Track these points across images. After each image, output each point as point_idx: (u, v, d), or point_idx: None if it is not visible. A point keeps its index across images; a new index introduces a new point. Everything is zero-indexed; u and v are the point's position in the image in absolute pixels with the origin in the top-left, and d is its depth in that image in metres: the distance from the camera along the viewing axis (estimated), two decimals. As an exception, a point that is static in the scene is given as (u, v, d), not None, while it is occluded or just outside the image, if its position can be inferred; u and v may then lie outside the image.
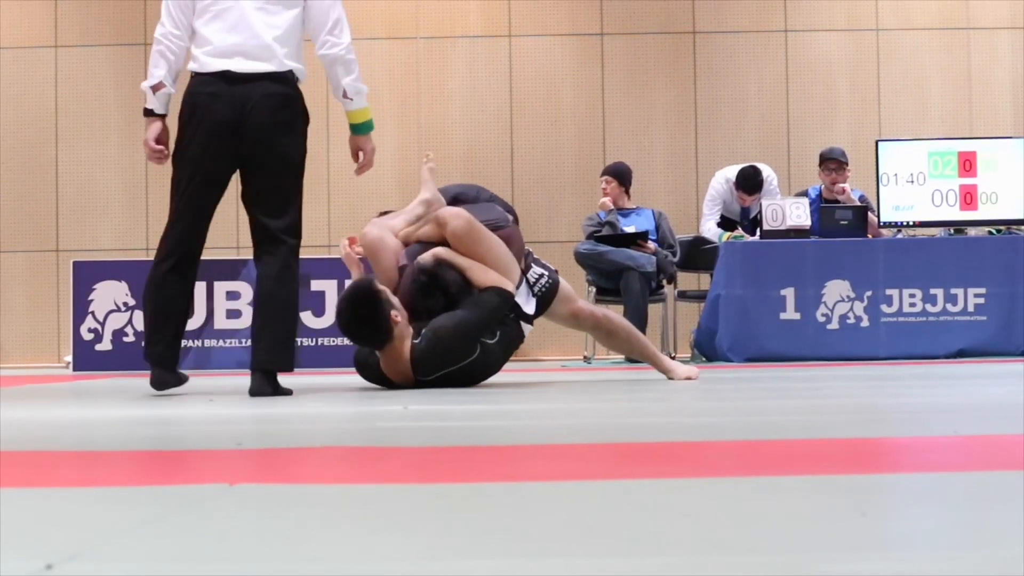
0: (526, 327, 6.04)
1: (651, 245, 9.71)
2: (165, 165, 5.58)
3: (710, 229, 9.99)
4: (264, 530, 1.90)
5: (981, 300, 9.02)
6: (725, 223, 10.02)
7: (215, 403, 5.03)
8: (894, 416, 4.22)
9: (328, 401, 5.16)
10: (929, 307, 9.02)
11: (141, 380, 7.53)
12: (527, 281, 6.04)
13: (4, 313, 11.09)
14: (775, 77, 11.21)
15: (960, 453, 2.99)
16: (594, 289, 9.81)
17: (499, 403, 5.03)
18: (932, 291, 9.03)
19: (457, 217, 5.89)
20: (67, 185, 11.15)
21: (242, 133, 5.38)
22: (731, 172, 10.06)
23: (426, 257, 5.83)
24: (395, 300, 5.71)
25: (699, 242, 10.06)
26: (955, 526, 1.89)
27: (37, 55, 11.25)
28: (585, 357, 9.80)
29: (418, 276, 5.73)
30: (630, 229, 9.82)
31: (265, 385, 5.29)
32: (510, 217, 6.25)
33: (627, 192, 10.02)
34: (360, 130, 5.50)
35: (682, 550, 1.70)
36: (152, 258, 5.62)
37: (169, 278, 5.52)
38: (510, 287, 5.81)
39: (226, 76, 5.40)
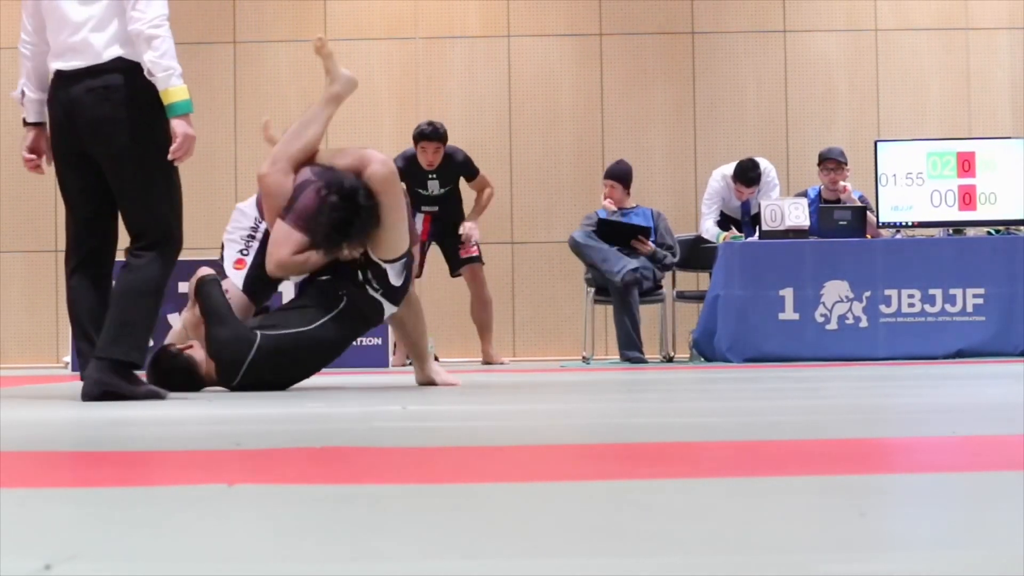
0: (388, 306, 5.84)
1: (649, 245, 9.70)
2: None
3: (708, 229, 9.98)
4: (263, 530, 1.90)
5: (980, 300, 9.01)
6: (725, 221, 10.02)
7: (214, 403, 5.02)
8: (893, 416, 4.22)
9: (326, 401, 5.15)
10: (928, 307, 9.02)
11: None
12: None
13: (3, 313, 11.09)
14: (774, 77, 11.21)
15: (959, 453, 2.99)
16: (592, 289, 9.78)
17: (498, 403, 5.03)
18: (931, 291, 9.03)
19: (382, 164, 5.76)
20: (66, 185, 11.14)
21: (76, 133, 5.22)
22: (728, 170, 10.06)
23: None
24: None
25: (698, 241, 10.06)
26: (954, 526, 1.89)
27: (36, 55, 11.24)
28: (584, 358, 9.79)
29: (329, 195, 5.64)
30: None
31: (104, 372, 5.06)
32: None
33: (628, 191, 9.98)
34: (169, 111, 5.11)
35: (682, 550, 1.70)
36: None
37: (70, 283, 5.36)
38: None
39: (58, 76, 5.25)
